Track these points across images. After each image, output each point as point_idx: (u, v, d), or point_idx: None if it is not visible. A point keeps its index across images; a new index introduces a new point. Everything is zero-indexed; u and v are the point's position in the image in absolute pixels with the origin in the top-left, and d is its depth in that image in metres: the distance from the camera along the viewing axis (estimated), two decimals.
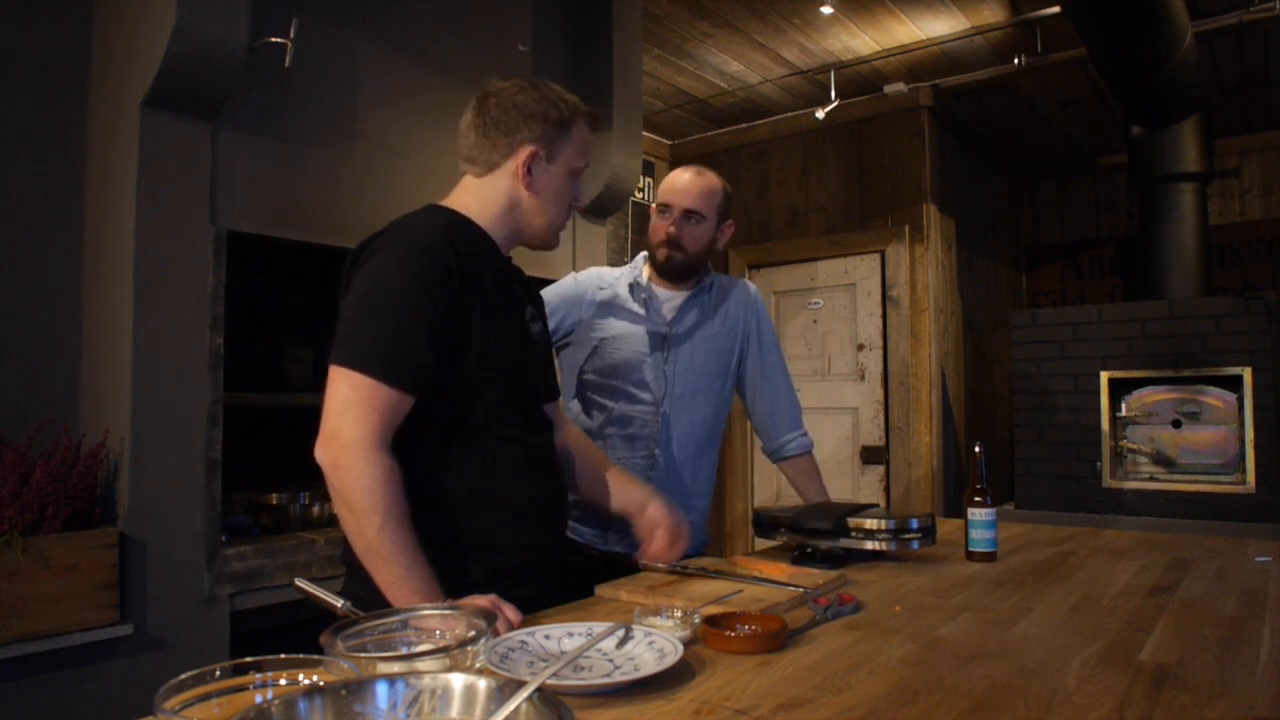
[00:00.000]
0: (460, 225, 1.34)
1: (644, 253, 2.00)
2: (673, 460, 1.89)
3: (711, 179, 1.93)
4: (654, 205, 1.95)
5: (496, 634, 1.05)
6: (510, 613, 1.14)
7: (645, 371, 1.88)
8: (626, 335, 1.90)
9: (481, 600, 1.13)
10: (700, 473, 1.94)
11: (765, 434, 2.05)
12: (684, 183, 1.91)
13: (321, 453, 1.18)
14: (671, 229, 1.89)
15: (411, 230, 1.28)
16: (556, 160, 1.39)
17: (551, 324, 1.91)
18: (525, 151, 1.36)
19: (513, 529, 1.33)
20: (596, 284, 1.97)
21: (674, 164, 4.89)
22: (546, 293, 1.92)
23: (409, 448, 1.22)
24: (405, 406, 1.22)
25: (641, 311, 1.92)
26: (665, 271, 1.93)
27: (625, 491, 1.58)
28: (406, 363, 1.20)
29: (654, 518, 1.52)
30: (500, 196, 1.38)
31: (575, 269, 2.77)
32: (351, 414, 1.17)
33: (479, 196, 1.39)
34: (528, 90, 1.38)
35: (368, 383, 1.18)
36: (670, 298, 1.95)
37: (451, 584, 1.18)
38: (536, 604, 1.27)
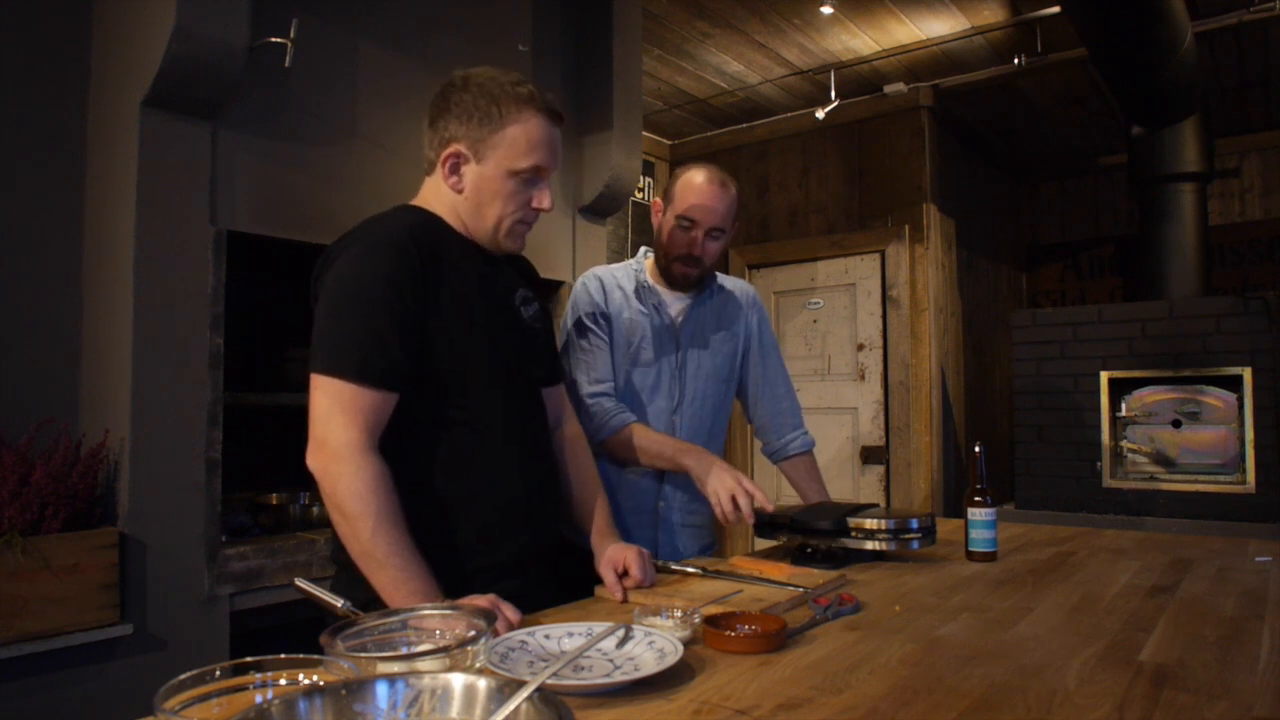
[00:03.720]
0: (425, 221, 1.34)
1: (644, 249, 1.98)
2: None
3: (734, 191, 1.85)
4: (671, 211, 1.85)
5: (496, 634, 1.05)
6: (510, 612, 1.14)
7: (659, 377, 1.87)
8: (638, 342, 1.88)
9: (481, 600, 1.13)
10: None
11: (766, 435, 2.04)
12: (712, 198, 1.80)
13: (312, 460, 1.18)
14: (697, 251, 1.82)
15: (374, 229, 1.29)
16: (487, 160, 1.32)
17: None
18: (447, 150, 1.34)
19: (497, 523, 1.32)
20: (602, 288, 1.95)
21: (674, 164, 4.88)
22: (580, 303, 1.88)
23: (392, 443, 1.22)
24: (388, 405, 1.22)
25: (652, 317, 1.89)
26: (681, 285, 1.90)
27: (595, 531, 1.51)
28: (381, 362, 1.20)
29: (612, 557, 1.42)
30: (443, 195, 1.37)
31: (575, 269, 2.77)
32: (335, 420, 1.17)
33: (434, 193, 1.38)
34: (469, 83, 1.32)
35: (347, 387, 1.18)
36: (676, 300, 1.93)
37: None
38: (524, 599, 1.26)
